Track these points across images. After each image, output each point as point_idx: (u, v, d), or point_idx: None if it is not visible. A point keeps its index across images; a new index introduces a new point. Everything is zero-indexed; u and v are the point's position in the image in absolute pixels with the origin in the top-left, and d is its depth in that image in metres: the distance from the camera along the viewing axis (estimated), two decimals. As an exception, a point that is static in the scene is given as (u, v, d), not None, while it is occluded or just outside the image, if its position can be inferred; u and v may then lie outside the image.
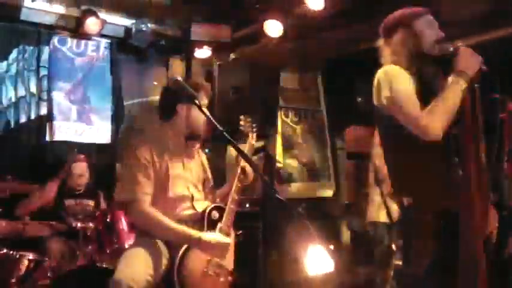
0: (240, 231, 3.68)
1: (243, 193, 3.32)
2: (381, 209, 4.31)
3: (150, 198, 2.98)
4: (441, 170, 2.40)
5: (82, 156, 4.88)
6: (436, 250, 2.39)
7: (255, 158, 3.28)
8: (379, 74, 2.48)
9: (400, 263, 2.40)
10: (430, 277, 2.40)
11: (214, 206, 3.16)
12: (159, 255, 2.92)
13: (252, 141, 3.47)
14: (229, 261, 3.13)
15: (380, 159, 3.55)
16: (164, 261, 2.93)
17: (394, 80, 2.39)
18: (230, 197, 3.19)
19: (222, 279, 3.03)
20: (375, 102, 2.50)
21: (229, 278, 3.10)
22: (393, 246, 2.50)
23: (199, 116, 3.07)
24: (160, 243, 2.98)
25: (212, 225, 3.09)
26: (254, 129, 3.52)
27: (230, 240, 3.10)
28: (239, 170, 3.24)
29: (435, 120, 2.29)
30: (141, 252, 2.89)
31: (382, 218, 4.31)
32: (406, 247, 2.38)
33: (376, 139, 4.23)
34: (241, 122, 3.50)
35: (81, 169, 4.83)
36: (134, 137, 3.17)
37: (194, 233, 2.94)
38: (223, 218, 3.11)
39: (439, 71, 2.46)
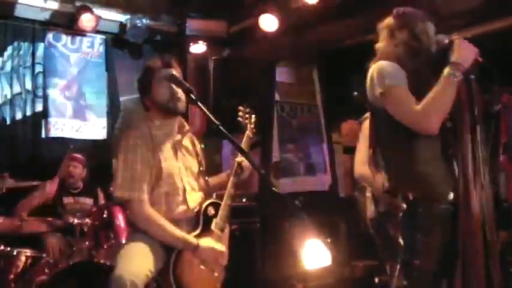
0: (235, 226, 3.64)
1: (239, 188, 3.27)
2: None
3: (148, 196, 2.93)
4: (440, 162, 2.41)
5: (78, 156, 4.86)
6: (445, 242, 2.39)
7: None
8: (373, 69, 2.47)
9: (408, 257, 2.40)
10: (440, 269, 2.40)
11: (210, 202, 3.13)
12: (156, 248, 2.90)
13: (250, 133, 3.40)
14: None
15: None
16: (161, 254, 2.92)
17: (388, 76, 2.39)
18: (226, 192, 3.14)
19: (216, 274, 3.05)
20: (369, 97, 2.50)
21: (223, 273, 3.11)
22: (400, 241, 2.48)
23: (165, 90, 3.02)
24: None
25: (208, 222, 3.07)
26: (252, 121, 3.48)
27: (224, 248, 3.08)
28: (235, 165, 3.20)
29: (431, 114, 2.30)
30: (140, 247, 2.87)
31: None
32: (414, 241, 2.38)
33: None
34: (240, 113, 3.44)
35: (78, 170, 4.83)
36: (130, 132, 3.07)
37: (192, 240, 2.93)
38: (219, 214, 3.09)
39: (436, 66, 2.46)
